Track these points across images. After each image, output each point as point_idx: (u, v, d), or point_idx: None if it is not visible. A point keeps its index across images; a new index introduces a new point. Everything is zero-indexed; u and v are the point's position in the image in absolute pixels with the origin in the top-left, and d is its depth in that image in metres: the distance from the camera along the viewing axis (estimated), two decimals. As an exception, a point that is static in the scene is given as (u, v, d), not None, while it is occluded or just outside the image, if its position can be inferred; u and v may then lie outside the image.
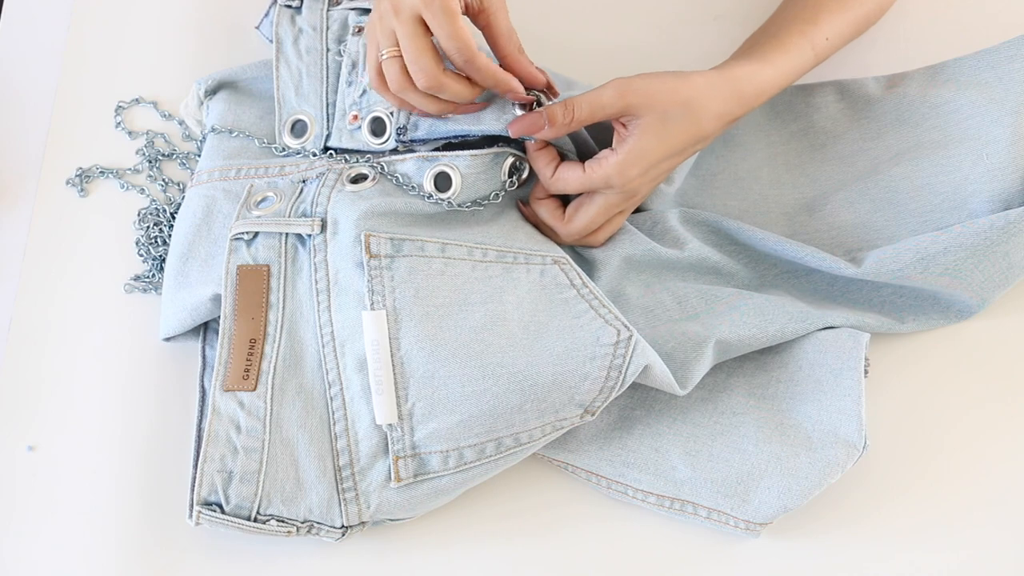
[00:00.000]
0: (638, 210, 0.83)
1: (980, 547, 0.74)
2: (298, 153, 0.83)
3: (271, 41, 0.89)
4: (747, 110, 0.77)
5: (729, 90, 0.76)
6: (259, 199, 0.79)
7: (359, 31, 0.84)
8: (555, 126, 0.74)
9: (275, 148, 0.83)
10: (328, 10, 0.87)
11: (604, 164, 0.74)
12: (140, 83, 0.92)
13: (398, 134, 0.78)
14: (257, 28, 0.89)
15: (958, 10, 0.91)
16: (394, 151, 0.80)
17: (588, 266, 0.79)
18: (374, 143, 0.80)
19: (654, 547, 0.74)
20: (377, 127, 0.80)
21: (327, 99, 0.84)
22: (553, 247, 0.77)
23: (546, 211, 0.79)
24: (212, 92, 0.88)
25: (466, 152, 0.77)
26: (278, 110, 0.84)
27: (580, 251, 0.80)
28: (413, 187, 0.78)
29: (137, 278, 0.83)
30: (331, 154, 0.81)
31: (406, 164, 0.78)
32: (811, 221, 0.85)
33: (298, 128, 0.84)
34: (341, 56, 0.85)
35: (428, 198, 0.77)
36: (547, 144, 0.77)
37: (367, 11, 0.85)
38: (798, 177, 0.87)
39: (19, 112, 0.91)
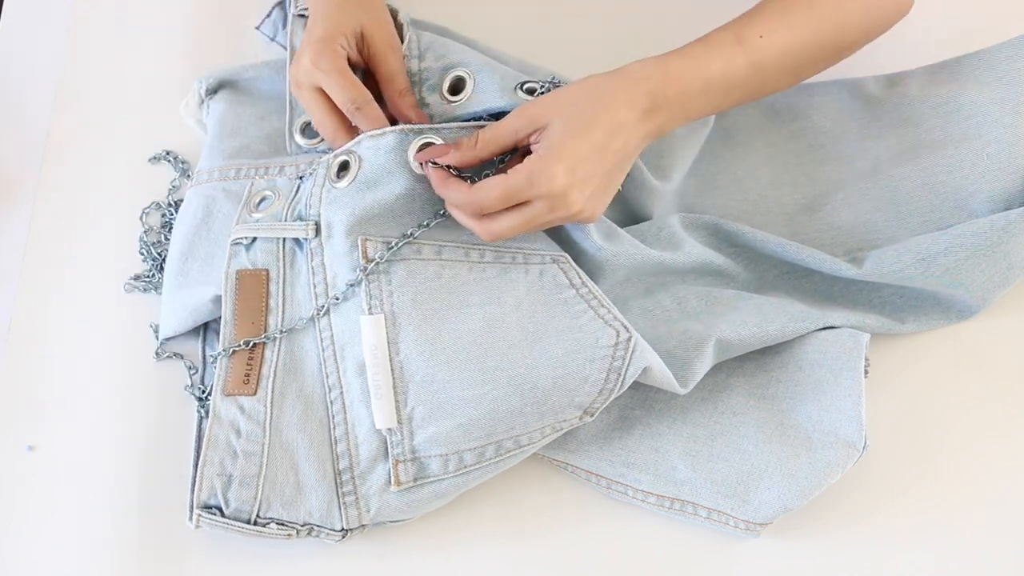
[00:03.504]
0: (639, 219, 0.83)
1: (980, 547, 0.74)
2: (307, 152, 0.83)
3: (272, 39, 0.89)
4: (667, 99, 0.73)
5: (631, 81, 0.73)
6: (259, 199, 0.79)
7: None
8: (460, 150, 0.72)
9: (289, 152, 0.83)
10: None
11: (526, 162, 0.70)
12: (140, 83, 0.92)
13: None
14: (258, 28, 0.90)
15: (958, 10, 0.91)
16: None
17: (592, 271, 0.79)
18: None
19: (654, 547, 0.74)
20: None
21: None
22: (553, 245, 0.77)
23: (463, 215, 0.73)
24: (212, 91, 0.88)
25: (454, 124, 0.77)
26: (289, 112, 0.85)
27: (588, 254, 0.79)
28: (391, 171, 0.77)
29: (137, 277, 0.83)
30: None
31: (386, 138, 0.76)
32: (811, 221, 0.85)
33: (309, 130, 0.84)
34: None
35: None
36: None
37: None
38: (798, 177, 0.87)
39: (19, 112, 0.91)
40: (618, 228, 0.78)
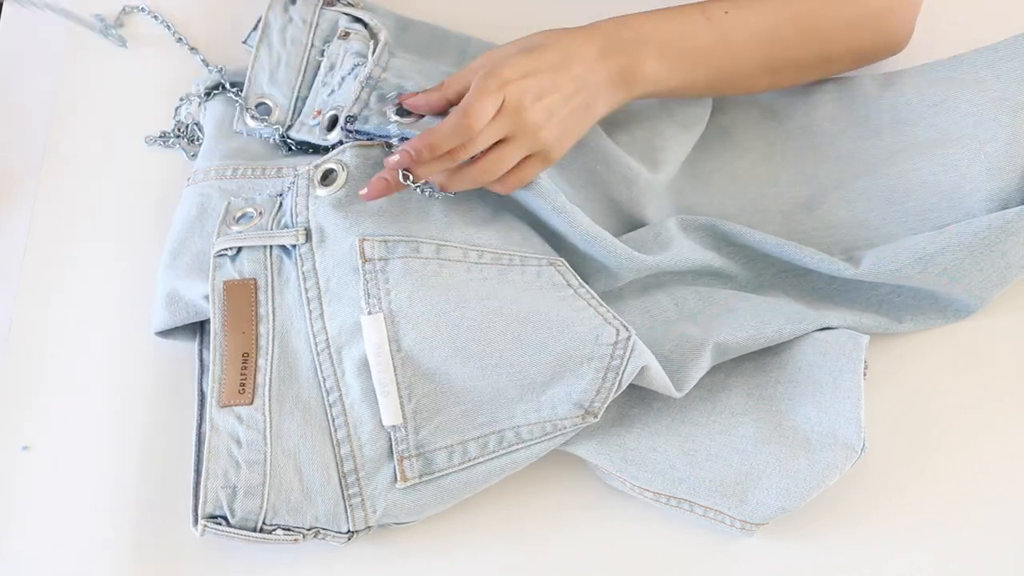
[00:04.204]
0: (634, 219, 0.83)
1: (978, 547, 0.74)
2: (300, 155, 0.83)
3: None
4: (622, 43, 0.77)
5: (588, 25, 0.78)
6: (238, 215, 0.80)
7: (345, 35, 0.85)
8: (428, 93, 0.77)
9: (234, 129, 0.85)
10: (322, 8, 0.87)
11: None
12: (140, 83, 0.92)
13: (347, 122, 0.79)
14: (244, 43, 0.90)
15: (956, 9, 0.91)
16: (339, 143, 0.81)
17: (587, 274, 0.79)
18: (327, 137, 0.82)
19: (654, 547, 0.74)
20: (331, 124, 0.82)
21: (299, 92, 0.85)
22: (549, 250, 0.78)
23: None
24: (210, 92, 0.89)
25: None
26: (246, 88, 0.85)
27: (583, 257, 0.79)
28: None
29: (162, 135, 0.88)
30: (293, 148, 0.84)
31: (373, 151, 0.78)
32: (808, 220, 0.85)
33: (261, 110, 0.85)
34: (322, 57, 0.86)
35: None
36: None
37: (358, 20, 0.86)
38: (795, 176, 0.87)
39: (19, 112, 0.91)
40: (613, 238, 0.78)
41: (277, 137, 0.84)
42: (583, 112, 0.76)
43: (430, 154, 0.72)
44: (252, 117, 0.84)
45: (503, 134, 0.73)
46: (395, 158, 0.73)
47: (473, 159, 0.73)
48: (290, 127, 0.84)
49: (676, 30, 0.78)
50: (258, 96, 0.85)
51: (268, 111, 0.85)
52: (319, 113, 0.83)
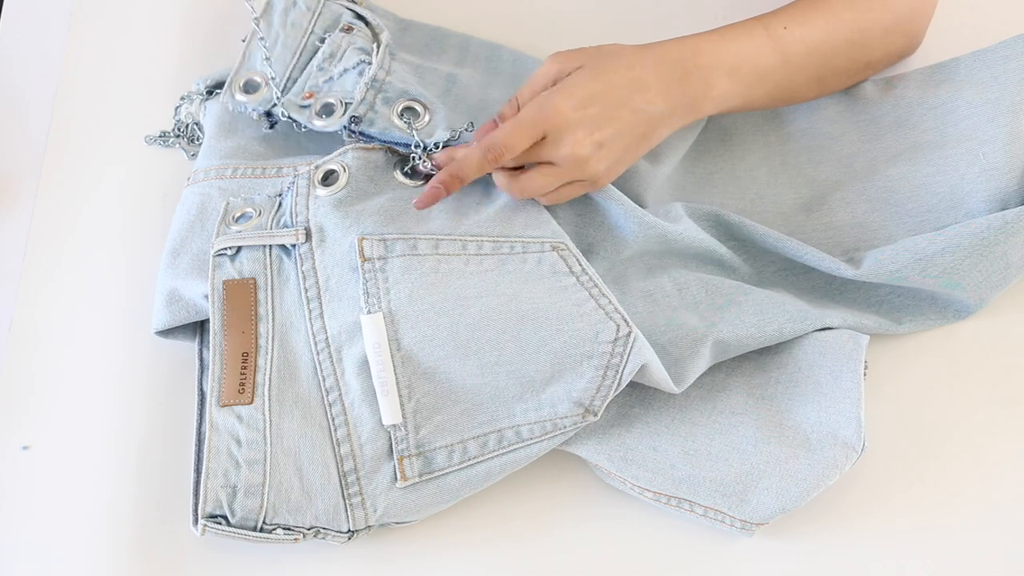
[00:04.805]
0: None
1: (978, 547, 0.74)
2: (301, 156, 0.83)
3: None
4: (697, 68, 0.77)
5: (662, 49, 0.78)
6: (237, 215, 0.80)
7: (348, 29, 0.85)
8: (505, 118, 0.77)
9: (221, 102, 0.85)
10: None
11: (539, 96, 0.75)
12: (140, 83, 0.92)
13: (351, 122, 0.79)
14: (244, 42, 0.90)
15: (956, 10, 0.91)
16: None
17: (589, 250, 0.80)
18: (316, 122, 0.81)
19: (654, 547, 0.74)
20: (325, 111, 0.81)
21: (291, 74, 0.84)
22: (552, 231, 0.77)
23: (487, 162, 0.76)
24: (211, 92, 0.89)
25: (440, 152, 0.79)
26: (239, 62, 0.85)
27: (584, 233, 0.80)
28: (380, 179, 0.79)
29: (162, 134, 0.88)
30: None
31: (375, 154, 0.79)
32: (808, 221, 0.85)
33: (249, 87, 0.84)
34: (321, 43, 0.85)
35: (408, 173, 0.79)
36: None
37: (360, 17, 0.86)
38: (796, 177, 0.87)
39: (19, 112, 0.91)
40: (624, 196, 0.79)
41: (262, 111, 0.83)
42: (639, 142, 0.77)
43: (460, 184, 0.74)
44: (240, 90, 0.84)
45: (547, 159, 0.75)
46: (426, 193, 0.74)
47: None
48: (274, 104, 0.83)
49: (745, 52, 0.79)
50: (250, 72, 0.85)
51: (256, 87, 0.84)
52: (311, 95, 0.83)
